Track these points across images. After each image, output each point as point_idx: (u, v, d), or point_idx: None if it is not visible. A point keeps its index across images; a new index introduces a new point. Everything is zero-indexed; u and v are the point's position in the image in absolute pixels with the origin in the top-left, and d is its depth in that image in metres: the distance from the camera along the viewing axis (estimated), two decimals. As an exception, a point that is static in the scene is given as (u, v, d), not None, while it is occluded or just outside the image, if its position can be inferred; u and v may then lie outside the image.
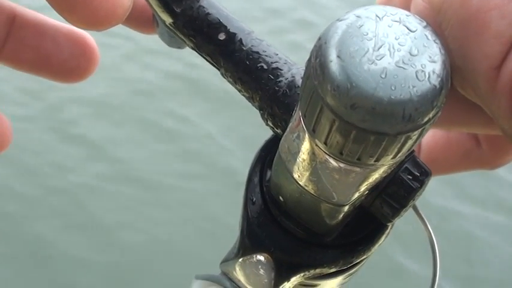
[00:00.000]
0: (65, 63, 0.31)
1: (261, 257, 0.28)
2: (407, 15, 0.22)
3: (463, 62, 0.27)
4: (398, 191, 0.26)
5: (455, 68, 0.28)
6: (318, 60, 0.21)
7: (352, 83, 0.20)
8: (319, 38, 0.21)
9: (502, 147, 0.37)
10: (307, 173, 0.25)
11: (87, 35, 0.31)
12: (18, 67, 0.31)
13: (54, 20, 0.31)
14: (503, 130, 0.28)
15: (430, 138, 0.38)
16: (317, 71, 0.21)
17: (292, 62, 0.29)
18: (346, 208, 0.26)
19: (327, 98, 0.20)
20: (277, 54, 0.29)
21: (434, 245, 0.33)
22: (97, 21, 0.23)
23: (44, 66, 0.31)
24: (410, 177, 0.26)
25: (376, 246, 0.28)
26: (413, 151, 0.26)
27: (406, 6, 0.30)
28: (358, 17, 0.21)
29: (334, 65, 0.20)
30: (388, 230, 0.28)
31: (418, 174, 0.26)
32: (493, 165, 0.38)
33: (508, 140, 0.29)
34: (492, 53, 0.26)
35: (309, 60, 0.22)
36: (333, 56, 0.21)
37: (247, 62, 0.29)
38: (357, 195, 0.25)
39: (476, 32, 0.26)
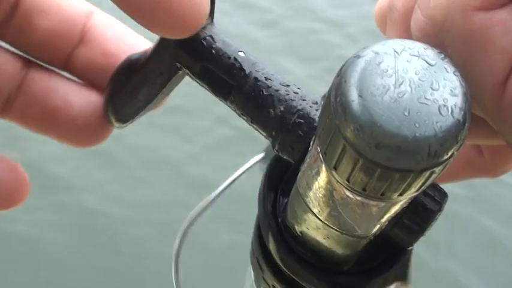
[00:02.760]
0: (74, 121, 0.30)
1: None
2: (425, 48, 0.21)
3: (467, 78, 0.27)
4: (418, 216, 0.26)
5: None
6: (338, 100, 0.21)
7: (375, 122, 0.20)
8: (338, 76, 0.21)
9: (505, 155, 0.37)
10: (328, 209, 0.24)
11: (99, 99, 0.30)
12: (25, 125, 0.30)
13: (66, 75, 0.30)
14: (510, 144, 0.28)
15: None
16: (338, 110, 0.20)
17: (301, 90, 0.29)
18: (367, 239, 0.26)
19: (350, 138, 0.20)
20: (289, 86, 0.29)
21: None
22: (183, 26, 0.23)
23: (51, 124, 0.30)
24: (429, 200, 0.26)
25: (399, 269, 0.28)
26: None
27: (406, 22, 0.30)
28: (376, 53, 0.21)
29: (356, 104, 0.20)
30: (409, 254, 0.28)
31: (436, 197, 0.26)
32: (495, 174, 0.39)
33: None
34: (497, 68, 0.26)
35: (328, 98, 0.21)
36: (354, 95, 0.20)
37: (256, 94, 0.28)
38: (378, 226, 0.25)
39: (481, 49, 0.26)
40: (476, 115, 0.29)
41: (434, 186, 0.26)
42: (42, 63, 0.31)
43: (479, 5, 0.26)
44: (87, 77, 0.31)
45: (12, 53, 0.30)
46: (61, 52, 0.30)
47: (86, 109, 0.30)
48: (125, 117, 0.29)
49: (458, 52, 0.27)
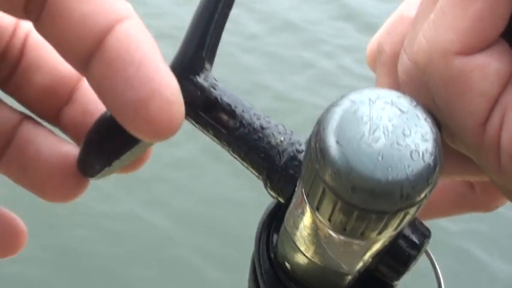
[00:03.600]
0: (40, 172, 0.30)
1: None
2: (398, 97, 0.23)
3: (450, 119, 0.29)
4: (401, 255, 0.27)
5: (444, 125, 0.30)
6: (318, 145, 0.22)
7: (351, 167, 0.21)
8: (317, 123, 0.23)
9: (496, 191, 0.38)
10: (313, 246, 0.26)
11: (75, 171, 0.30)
12: (9, 176, 0.31)
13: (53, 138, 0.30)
14: (493, 181, 0.29)
15: None
16: (318, 155, 0.22)
17: (290, 132, 0.30)
18: (352, 275, 0.27)
19: (329, 181, 0.22)
20: (277, 126, 0.30)
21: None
22: (157, 133, 0.24)
23: (24, 175, 0.30)
24: (410, 239, 0.27)
25: None
26: None
27: (394, 64, 0.31)
28: (352, 102, 0.23)
29: (333, 150, 0.22)
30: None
31: (418, 237, 0.27)
32: (487, 208, 0.39)
33: (498, 190, 0.31)
34: (477, 111, 0.27)
35: (309, 143, 0.23)
36: (331, 141, 0.22)
37: (249, 137, 0.30)
38: (362, 263, 0.26)
39: (461, 92, 0.27)
40: (462, 153, 0.30)
41: (416, 226, 0.27)
42: (36, 117, 0.32)
43: (459, 50, 0.27)
44: (72, 135, 0.32)
45: (11, 108, 0.31)
46: (52, 108, 0.32)
47: (54, 161, 0.30)
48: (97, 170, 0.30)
49: (440, 94, 0.28)
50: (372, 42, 0.36)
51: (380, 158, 0.21)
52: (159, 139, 0.24)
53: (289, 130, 0.31)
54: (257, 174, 0.31)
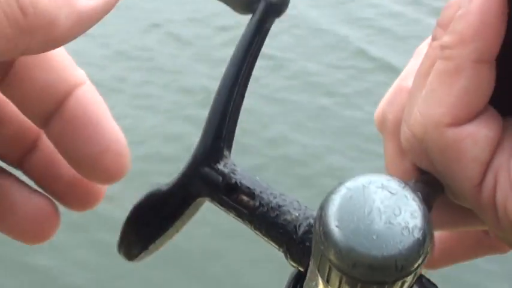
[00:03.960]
0: (18, 225, 0.32)
1: None
2: (388, 180, 0.27)
3: (449, 181, 0.32)
4: None
5: (446, 185, 0.33)
6: (321, 229, 0.26)
7: (351, 246, 0.25)
8: (320, 208, 0.26)
9: None
10: None
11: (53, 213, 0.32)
12: None
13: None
14: (495, 235, 0.32)
15: (443, 231, 0.43)
16: (322, 238, 0.26)
17: (304, 207, 0.34)
18: None
19: (333, 260, 0.25)
20: (292, 203, 0.34)
21: None
22: (110, 179, 0.29)
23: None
24: None
25: None
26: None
27: (397, 131, 0.35)
28: (348, 188, 0.26)
29: (335, 233, 0.25)
30: None
31: None
32: (503, 250, 0.42)
33: (501, 241, 0.33)
34: (472, 174, 0.30)
35: (314, 226, 0.27)
36: (332, 225, 0.25)
37: (269, 216, 0.34)
38: None
39: (456, 159, 0.31)
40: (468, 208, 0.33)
41: (423, 284, 0.30)
42: (4, 165, 0.34)
43: (450, 122, 0.30)
44: (35, 180, 0.34)
45: None
46: (16, 155, 0.33)
47: (30, 214, 0.32)
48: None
49: (438, 160, 0.32)
50: (378, 110, 0.39)
51: (375, 237, 0.25)
52: (110, 183, 0.30)
53: (304, 205, 0.34)
54: (278, 247, 0.34)
